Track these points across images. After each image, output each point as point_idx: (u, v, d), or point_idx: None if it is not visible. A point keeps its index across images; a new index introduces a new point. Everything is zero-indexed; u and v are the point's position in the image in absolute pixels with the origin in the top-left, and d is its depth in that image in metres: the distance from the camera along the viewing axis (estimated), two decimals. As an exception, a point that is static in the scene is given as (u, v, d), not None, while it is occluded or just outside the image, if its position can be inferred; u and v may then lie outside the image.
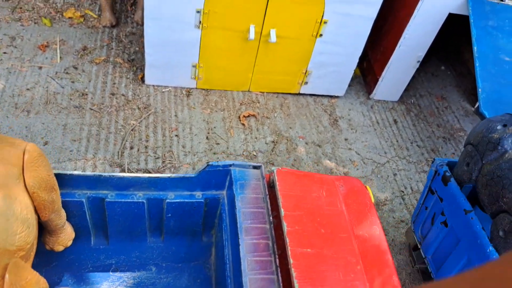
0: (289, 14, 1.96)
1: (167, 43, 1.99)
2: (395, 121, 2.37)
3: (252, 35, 1.97)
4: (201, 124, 2.05)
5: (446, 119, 2.47)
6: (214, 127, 2.06)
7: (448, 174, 1.40)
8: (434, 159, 1.46)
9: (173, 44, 1.99)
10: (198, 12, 1.88)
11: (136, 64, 2.24)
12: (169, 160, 1.86)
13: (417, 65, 2.28)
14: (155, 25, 1.91)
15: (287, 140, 2.11)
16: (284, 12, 1.94)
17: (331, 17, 1.99)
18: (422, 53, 2.23)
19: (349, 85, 2.49)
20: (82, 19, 2.40)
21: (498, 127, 1.27)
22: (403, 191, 2.02)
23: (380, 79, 2.35)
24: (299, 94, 2.36)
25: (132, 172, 1.77)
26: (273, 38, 1.99)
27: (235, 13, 1.92)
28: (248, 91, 2.29)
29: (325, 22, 2.01)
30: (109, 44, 2.31)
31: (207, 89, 2.23)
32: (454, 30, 2.32)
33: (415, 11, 2.03)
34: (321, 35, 2.06)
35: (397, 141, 2.26)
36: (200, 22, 1.92)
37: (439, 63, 2.86)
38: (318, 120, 2.26)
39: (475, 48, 1.89)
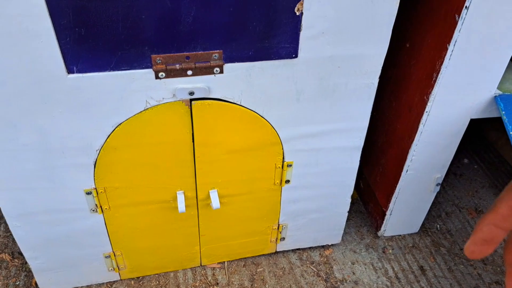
0: (232, 168, 1.29)
1: (53, 239, 1.30)
2: (422, 269, 1.62)
3: (182, 207, 1.28)
4: None
5: (493, 248, 1.71)
6: None
7: None
8: None
9: (65, 238, 1.31)
10: (88, 193, 1.21)
11: (31, 257, 1.54)
12: None
13: (438, 188, 1.57)
14: (27, 223, 1.24)
15: None
16: (223, 167, 1.27)
17: (296, 157, 1.31)
18: (441, 174, 1.52)
19: (346, 220, 1.77)
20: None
21: None
22: None
23: (388, 212, 1.64)
24: (277, 252, 1.64)
25: None
26: (215, 203, 1.31)
27: (147, 183, 1.25)
28: (200, 266, 1.57)
29: (289, 165, 1.33)
30: (-3, 229, 1.64)
31: (138, 277, 1.52)
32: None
33: (420, 125, 1.35)
34: (287, 181, 1.38)
35: (432, 309, 1.49)
36: (96, 204, 1.25)
37: (459, 156, 2.16)
38: (308, 294, 1.51)
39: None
